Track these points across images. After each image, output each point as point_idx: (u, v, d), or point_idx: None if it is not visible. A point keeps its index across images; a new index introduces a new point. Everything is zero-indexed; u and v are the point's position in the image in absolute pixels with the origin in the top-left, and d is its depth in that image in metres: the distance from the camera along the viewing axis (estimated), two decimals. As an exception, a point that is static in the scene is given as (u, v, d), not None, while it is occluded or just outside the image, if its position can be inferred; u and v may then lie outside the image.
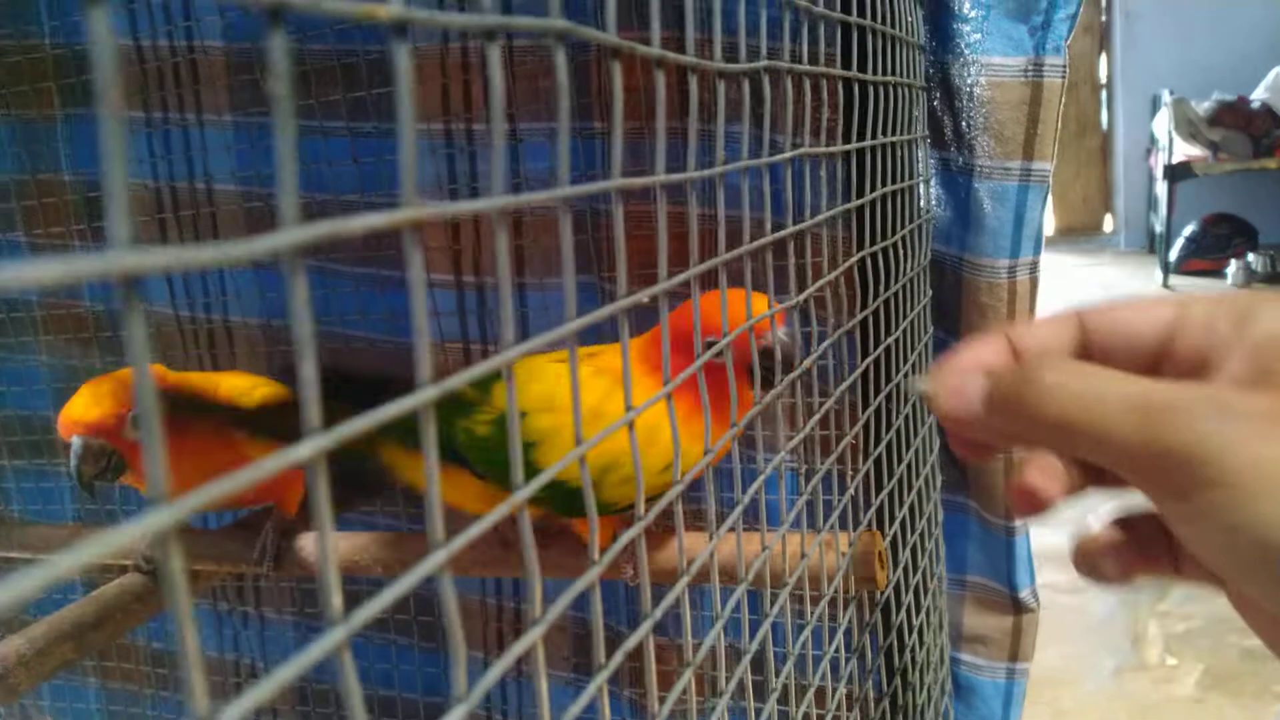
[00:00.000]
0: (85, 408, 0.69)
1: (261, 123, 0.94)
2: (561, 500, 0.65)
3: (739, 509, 0.40)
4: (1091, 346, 0.43)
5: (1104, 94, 5.94)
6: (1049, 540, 2.30)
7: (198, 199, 1.00)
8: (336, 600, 0.17)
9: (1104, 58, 5.85)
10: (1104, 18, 5.69)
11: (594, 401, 0.64)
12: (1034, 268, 0.77)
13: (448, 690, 0.22)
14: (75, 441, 0.70)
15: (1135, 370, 0.41)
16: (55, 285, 0.12)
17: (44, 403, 1.08)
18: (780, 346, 0.56)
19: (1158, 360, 0.41)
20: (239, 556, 0.81)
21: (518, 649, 0.24)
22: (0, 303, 1.08)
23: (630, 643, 0.30)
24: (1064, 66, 0.72)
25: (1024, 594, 0.83)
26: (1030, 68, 0.72)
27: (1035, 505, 0.48)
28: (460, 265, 0.93)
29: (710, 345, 0.56)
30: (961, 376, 0.42)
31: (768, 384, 0.53)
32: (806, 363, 0.49)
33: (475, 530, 0.21)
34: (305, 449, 0.16)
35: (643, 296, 0.30)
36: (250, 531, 0.81)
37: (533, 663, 0.25)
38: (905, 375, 0.65)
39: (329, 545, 0.17)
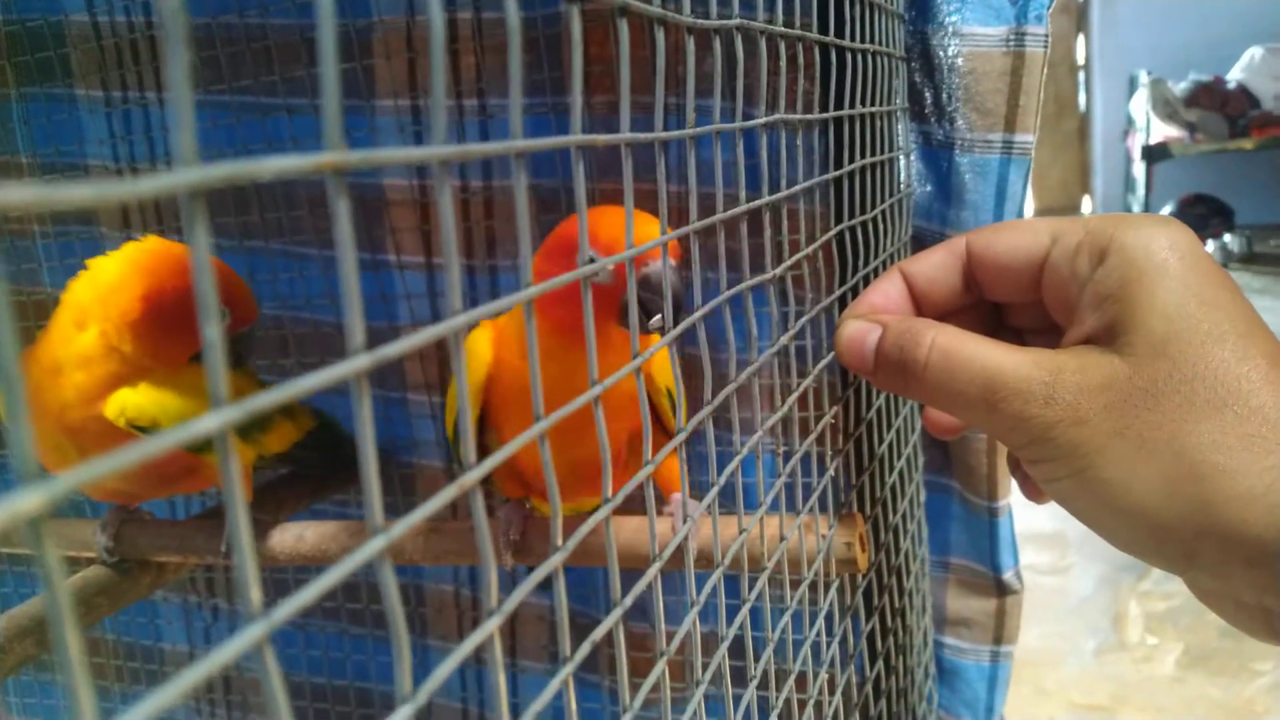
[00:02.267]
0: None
1: (222, 100, 0.91)
2: None
3: (714, 490, 0.38)
4: (978, 273, 0.44)
5: (1081, 75, 5.95)
6: (1030, 521, 2.31)
7: (159, 180, 0.97)
8: (255, 595, 0.15)
9: (1081, 39, 5.85)
10: (1081, -1, 5.69)
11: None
12: (1016, 243, 0.76)
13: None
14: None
15: (1018, 292, 0.43)
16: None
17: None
18: (668, 283, 0.51)
19: (1036, 284, 0.42)
20: (206, 548, 0.78)
21: (474, 640, 0.22)
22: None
23: (599, 632, 0.28)
24: (1046, 36, 0.70)
25: (1008, 576, 0.82)
26: (1012, 37, 0.70)
27: (941, 430, 0.50)
28: (430, 247, 0.91)
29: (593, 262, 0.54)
30: (863, 328, 0.44)
31: (648, 315, 0.51)
32: (783, 340, 0.47)
33: (418, 514, 0.19)
34: (211, 421, 0.14)
35: (608, 264, 0.28)
36: (217, 522, 0.79)
37: (490, 654, 0.23)
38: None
39: (245, 535, 0.15)
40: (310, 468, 0.90)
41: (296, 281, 0.95)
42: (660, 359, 0.62)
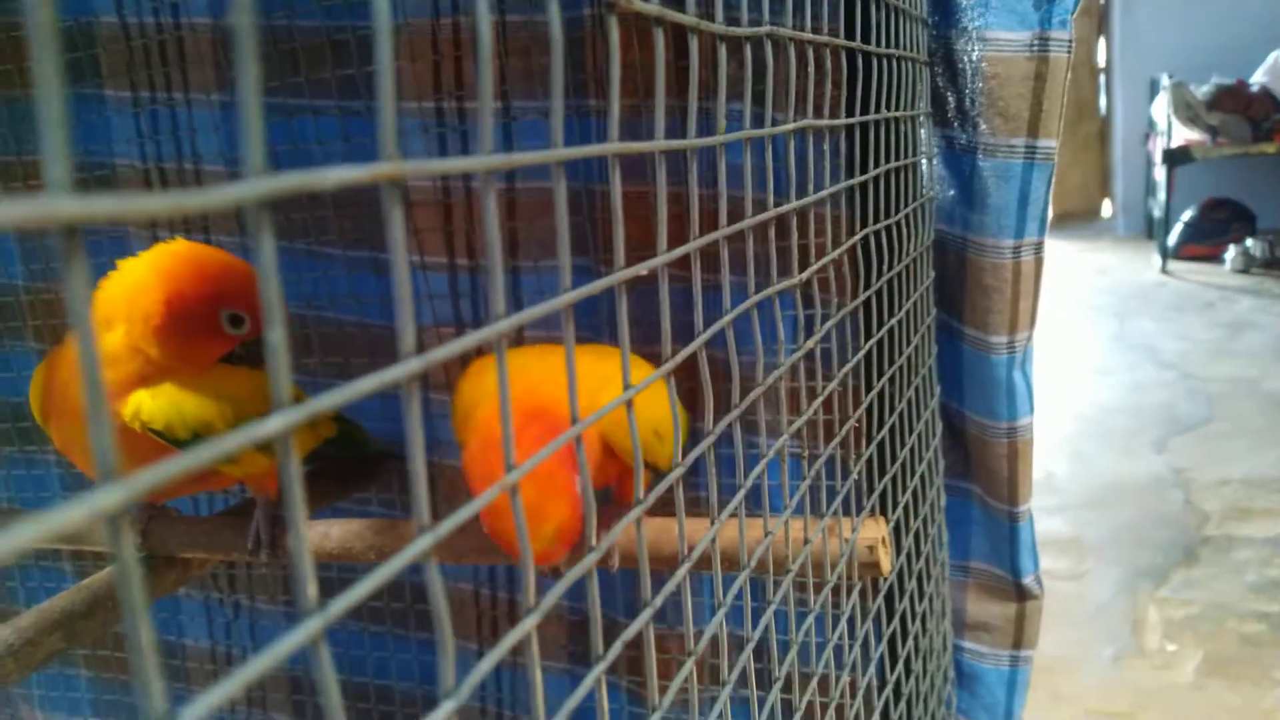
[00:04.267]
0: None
1: (250, 102, 0.92)
2: None
3: (741, 493, 0.38)
4: None
5: (1102, 78, 5.92)
6: (1047, 527, 2.30)
7: (186, 180, 0.98)
8: (312, 590, 0.16)
9: (1102, 41, 5.82)
10: (1103, 1, 5.66)
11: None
12: (1039, 248, 0.76)
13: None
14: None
15: None
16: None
17: (33, 389, 1.06)
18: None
19: None
20: (232, 545, 0.79)
21: (512, 638, 0.22)
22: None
23: (630, 631, 0.28)
24: (1070, 41, 0.70)
25: (1027, 580, 0.82)
26: (1035, 42, 0.70)
27: None
28: (453, 247, 0.92)
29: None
30: None
31: None
32: (808, 344, 0.48)
33: (463, 513, 0.20)
34: (275, 423, 0.15)
35: (641, 269, 0.29)
36: (243, 519, 0.79)
37: (527, 652, 0.23)
38: (908, 357, 0.64)
39: (303, 531, 0.16)
40: (329, 463, 0.91)
41: (320, 281, 0.96)
42: (651, 394, 0.62)
